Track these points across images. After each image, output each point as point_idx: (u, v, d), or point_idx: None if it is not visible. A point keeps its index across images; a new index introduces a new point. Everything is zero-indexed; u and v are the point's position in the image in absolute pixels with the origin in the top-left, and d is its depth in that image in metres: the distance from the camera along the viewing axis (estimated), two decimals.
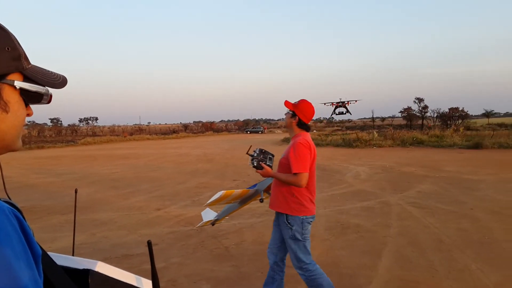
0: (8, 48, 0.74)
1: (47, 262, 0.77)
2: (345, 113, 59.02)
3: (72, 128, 63.24)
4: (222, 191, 3.55)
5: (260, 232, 6.13)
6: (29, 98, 0.80)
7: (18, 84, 0.76)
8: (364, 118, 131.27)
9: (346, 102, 58.54)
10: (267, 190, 3.75)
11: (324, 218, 6.90)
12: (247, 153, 3.31)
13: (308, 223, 3.22)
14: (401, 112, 71.53)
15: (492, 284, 3.96)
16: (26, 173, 14.41)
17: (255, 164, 3.26)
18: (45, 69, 0.84)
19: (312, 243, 5.44)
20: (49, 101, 0.85)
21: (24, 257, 0.64)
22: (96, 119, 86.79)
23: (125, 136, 48.11)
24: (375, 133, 29.48)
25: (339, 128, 75.64)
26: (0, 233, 0.61)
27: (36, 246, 0.69)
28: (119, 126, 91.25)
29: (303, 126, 3.30)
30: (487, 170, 12.36)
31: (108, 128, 79.15)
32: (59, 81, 0.85)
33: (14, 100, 0.76)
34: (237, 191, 3.70)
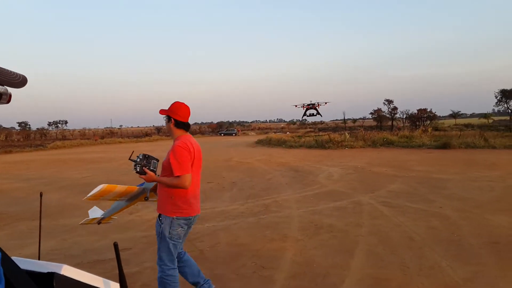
0: None
1: (9, 266, 0.77)
2: (315, 115, 58.88)
3: (41, 132, 61.58)
4: (103, 185, 3.46)
5: (235, 234, 6.13)
6: None
7: None
8: (336, 120, 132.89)
9: (317, 104, 58.92)
10: (155, 189, 3.75)
11: (298, 218, 6.97)
12: (129, 159, 3.34)
13: (179, 225, 3.31)
14: (371, 113, 72.99)
15: (461, 280, 4.09)
16: None
17: (138, 170, 3.30)
18: (4, 68, 0.82)
19: (286, 244, 5.52)
20: (8, 101, 0.83)
21: None
22: (66, 122, 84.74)
23: (96, 140, 47.22)
24: (346, 134, 29.92)
25: (312, 129, 76.42)
26: None
27: None
28: (89, 130, 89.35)
29: (181, 125, 3.38)
30: (455, 169, 12.75)
31: (78, 131, 77.33)
32: (19, 80, 0.84)
33: None
34: (121, 187, 3.63)
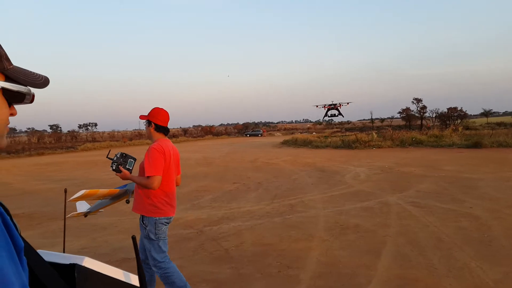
0: None
1: (33, 256, 0.79)
2: (337, 115, 58.13)
3: (72, 134, 63.17)
4: (84, 190, 3.65)
5: (260, 234, 6.14)
6: (12, 97, 0.81)
7: (1, 84, 0.77)
8: (364, 120, 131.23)
9: (338, 104, 58.14)
10: None
11: (324, 218, 6.91)
12: (107, 157, 3.47)
13: (162, 223, 3.39)
14: (399, 112, 71.62)
15: (492, 281, 3.97)
16: (26, 180, 14.41)
17: (114, 168, 3.39)
18: (27, 70, 0.85)
19: (312, 244, 5.48)
20: (31, 101, 0.86)
21: (5, 248, 0.65)
22: (96, 124, 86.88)
23: (124, 142, 48.11)
24: (374, 134, 29.48)
25: (339, 129, 75.70)
26: None
27: (18, 239, 0.71)
28: (118, 132, 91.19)
29: (161, 129, 3.50)
30: (486, 168, 12.38)
31: (107, 133, 79.11)
32: (41, 81, 0.86)
33: None
34: (103, 191, 3.80)
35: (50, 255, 0.99)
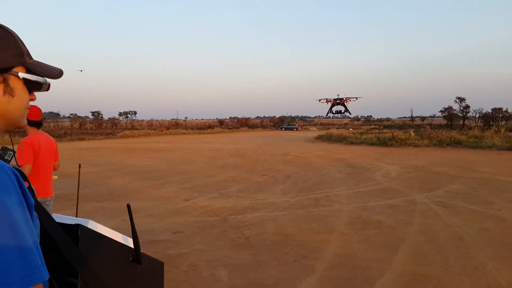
0: (13, 47, 0.96)
1: (42, 213, 0.97)
2: (343, 112, 50.64)
3: (112, 121, 65.27)
4: None
5: (282, 224, 6.29)
6: (31, 86, 1.02)
7: (21, 75, 0.98)
8: (404, 117, 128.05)
9: (345, 99, 51.27)
10: None
11: (347, 213, 6.98)
12: None
13: (42, 203, 3.75)
14: (441, 111, 69.60)
15: (506, 282, 3.96)
16: (66, 163, 15.09)
17: None
18: (45, 64, 1.06)
19: (331, 237, 5.60)
20: (47, 89, 1.07)
21: (19, 203, 0.84)
22: (135, 113, 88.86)
23: (161, 130, 49.22)
24: (411, 132, 28.86)
25: (376, 126, 74.34)
26: (4, 183, 0.82)
27: (30, 197, 0.89)
28: (157, 120, 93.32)
29: (33, 124, 3.85)
30: None
31: (146, 122, 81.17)
32: (56, 73, 1.06)
33: (18, 87, 0.98)
34: None
35: (59, 217, 1.18)
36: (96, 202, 8.01)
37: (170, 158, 17.10)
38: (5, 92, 0.95)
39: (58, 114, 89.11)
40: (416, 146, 23.36)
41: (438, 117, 77.67)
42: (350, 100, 48.74)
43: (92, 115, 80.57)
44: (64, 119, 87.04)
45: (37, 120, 3.90)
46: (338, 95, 52.03)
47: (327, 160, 15.97)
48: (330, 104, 51.27)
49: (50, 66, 1.07)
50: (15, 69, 0.97)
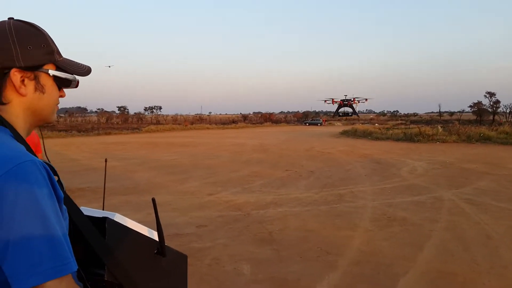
0: (43, 45, 0.99)
1: (71, 206, 1.00)
2: (351, 115, 41.98)
3: (138, 116, 66.33)
4: None
5: (305, 220, 6.27)
6: (61, 83, 1.05)
7: (51, 72, 1.01)
8: (432, 112, 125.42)
9: (352, 100, 44.61)
10: None
11: (371, 210, 6.90)
12: None
13: None
14: (470, 106, 67.87)
15: None
16: (93, 157, 15.48)
17: None
18: (74, 61, 1.09)
19: (355, 233, 5.55)
20: (76, 86, 1.10)
21: (49, 197, 0.87)
22: (160, 108, 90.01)
23: (186, 125, 49.72)
24: (439, 127, 28.24)
25: (403, 122, 72.97)
26: (31, 177, 0.84)
27: (59, 191, 0.92)
28: (181, 115, 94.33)
29: None
30: None
31: (171, 117, 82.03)
32: (84, 70, 1.10)
33: (48, 84, 1.02)
34: None
35: (87, 210, 1.21)
36: (121, 196, 8.16)
37: (194, 153, 17.26)
38: (36, 89, 0.99)
39: (85, 109, 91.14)
40: (444, 142, 22.86)
41: (467, 112, 75.76)
42: (358, 102, 40.37)
43: (118, 110, 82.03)
44: (92, 114, 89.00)
45: None
46: (346, 95, 46.91)
47: (352, 156, 15.80)
48: (336, 105, 44.02)
49: (79, 63, 1.10)
50: (45, 67, 1.00)
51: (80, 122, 48.64)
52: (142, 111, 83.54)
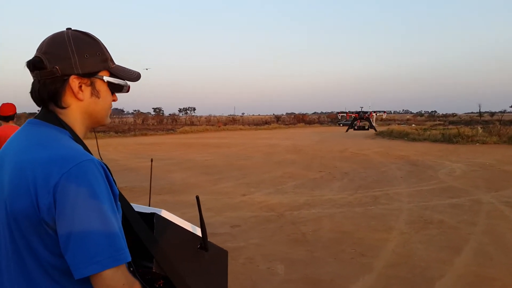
0: (98, 54, 1.09)
1: (124, 202, 1.09)
2: (367, 129, 36.47)
3: (172, 117, 67.42)
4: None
5: (339, 222, 6.25)
6: (114, 88, 1.15)
7: (106, 78, 1.12)
8: (472, 113, 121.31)
9: (369, 113, 38.87)
10: None
11: (407, 212, 6.80)
12: None
13: None
14: None
15: None
16: (130, 157, 15.93)
17: None
18: (126, 68, 1.19)
19: (390, 235, 5.49)
20: (127, 91, 1.20)
21: (106, 193, 0.96)
22: (194, 109, 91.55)
23: (219, 126, 50.19)
24: (479, 128, 27.32)
25: (441, 122, 70.90)
26: (90, 176, 0.94)
27: (115, 188, 1.02)
28: (214, 116, 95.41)
29: (1, 118, 4.39)
30: None
31: (204, 118, 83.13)
32: (135, 76, 1.20)
33: (103, 89, 1.12)
34: None
35: (136, 207, 1.30)
36: (157, 195, 8.37)
37: (228, 154, 17.45)
38: (92, 94, 1.09)
39: (122, 111, 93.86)
40: (484, 143, 22.10)
41: (509, 112, 72.98)
42: (375, 114, 35.22)
43: (153, 111, 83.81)
44: (128, 115, 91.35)
45: (4, 115, 4.43)
46: (362, 107, 42.14)
47: (387, 157, 15.55)
48: (351, 118, 40.14)
49: (130, 70, 1.20)
50: (100, 73, 1.10)
51: (117, 123, 49.95)
52: (177, 112, 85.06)
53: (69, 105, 1.06)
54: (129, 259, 0.95)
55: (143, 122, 57.59)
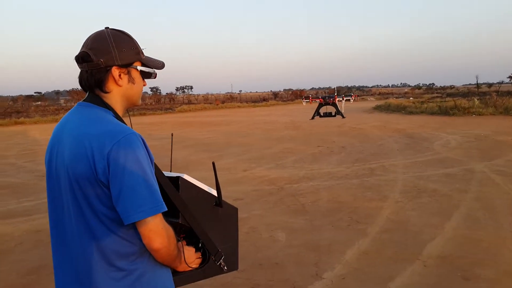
0: (133, 48, 1.35)
1: (156, 167, 1.34)
2: (334, 115, 31.41)
3: (170, 96, 67.34)
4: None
5: (336, 193, 6.55)
6: (145, 75, 1.43)
7: (139, 68, 1.38)
8: (469, 84, 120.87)
9: (334, 96, 33.13)
10: None
11: (402, 182, 7.09)
12: None
13: None
14: (510, 77, 65.22)
15: None
16: None
17: None
18: (153, 58, 1.45)
19: (384, 204, 5.80)
20: (155, 77, 1.48)
21: (146, 158, 1.24)
22: (191, 88, 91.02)
23: (217, 104, 50.14)
24: (475, 100, 27.49)
25: (439, 95, 70.81)
26: (134, 145, 1.21)
27: (151, 155, 1.29)
28: (212, 95, 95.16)
29: None
30: None
31: (202, 96, 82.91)
32: (161, 65, 1.47)
33: (137, 77, 1.39)
34: None
35: (164, 173, 1.56)
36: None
37: (227, 131, 17.69)
38: (129, 81, 1.36)
39: None
40: (480, 115, 22.36)
41: (506, 83, 72.88)
42: (343, 100, 30.55)
43: (151, 91, 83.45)
44: None
45: None
46: (327, 91, 37.53)
47: (384, 131, 15.81)
48: (312, 102, 35.69)
49: (156, 59, 1.46)
50: (135, 64, 1.36)
51: None
52: (174, 91, 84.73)
53: (111, 90, 1.33)
54: (166, 209, 1.21)
55: (141, 101, 57.49)
